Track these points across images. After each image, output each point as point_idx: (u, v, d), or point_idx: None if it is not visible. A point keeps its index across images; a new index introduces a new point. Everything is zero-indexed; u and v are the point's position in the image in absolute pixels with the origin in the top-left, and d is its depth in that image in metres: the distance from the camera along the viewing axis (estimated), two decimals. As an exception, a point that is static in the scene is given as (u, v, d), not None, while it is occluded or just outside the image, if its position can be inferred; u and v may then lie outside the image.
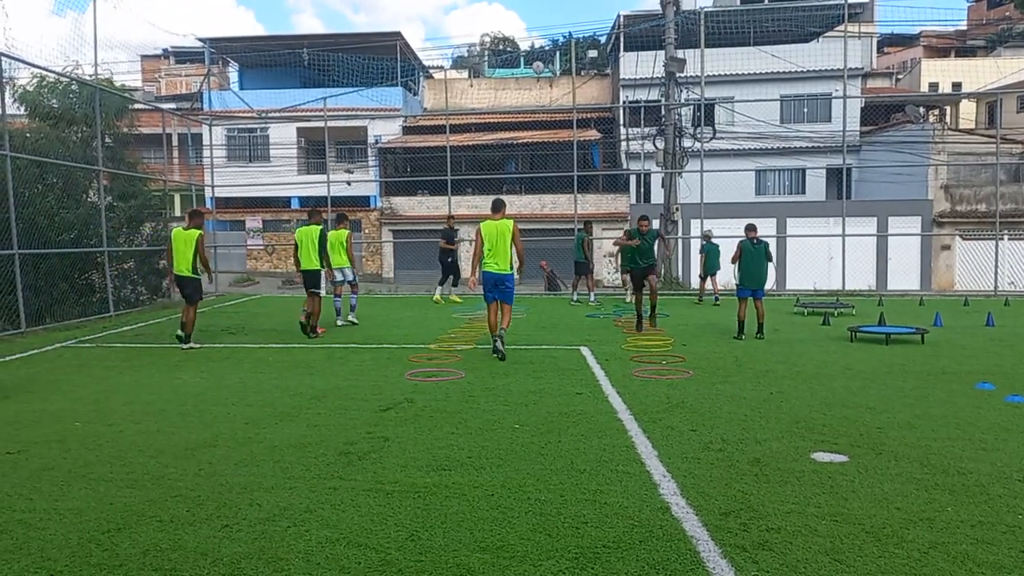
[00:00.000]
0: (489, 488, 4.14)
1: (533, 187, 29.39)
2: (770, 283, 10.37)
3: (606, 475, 4.34)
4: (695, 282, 17.85)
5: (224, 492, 4.12)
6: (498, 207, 8.75)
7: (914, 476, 4.29)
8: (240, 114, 29.90)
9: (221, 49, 33.72)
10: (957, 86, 36.85)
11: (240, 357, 8.81)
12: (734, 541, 3.42)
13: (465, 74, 41.84)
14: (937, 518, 3.67)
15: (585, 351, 8.90)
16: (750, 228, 10.17)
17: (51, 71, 13.87)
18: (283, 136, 31.71)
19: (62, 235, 12.64)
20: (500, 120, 31.05)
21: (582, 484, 4.19)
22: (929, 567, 3.16)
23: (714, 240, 15.32)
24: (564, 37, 45.26)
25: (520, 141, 29.75)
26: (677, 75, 19.01)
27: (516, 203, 27.23)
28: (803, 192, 29.17)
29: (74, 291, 13.28)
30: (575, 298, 15.25)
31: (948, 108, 34.51)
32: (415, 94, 34.58)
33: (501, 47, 55.50)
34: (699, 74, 19.01)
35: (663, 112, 19.52)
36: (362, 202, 30.11)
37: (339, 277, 11.54)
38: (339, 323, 11.57)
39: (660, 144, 19.23)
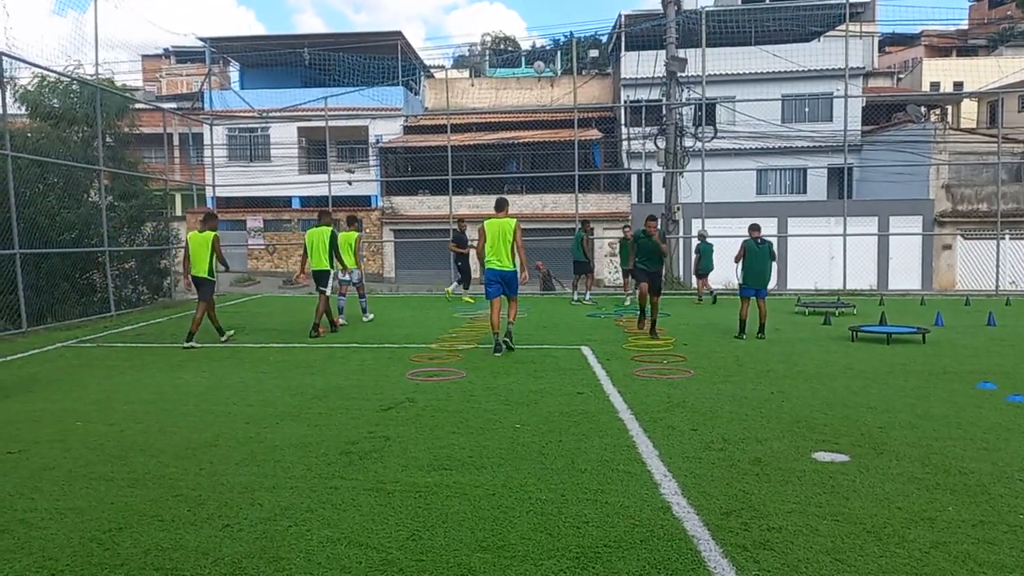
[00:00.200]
0: (490, 488, 4.14)
1: (534, 187, 29.39)
2: (772, 283, 10.37)
3: (607, 475, 4.34)
4: (695, 282, 17.85)
5: (225, 492, 4.12)
6: (501, 206, 8.97)
7: (915, 476, 4.28)
8: (241, 114, 29.92)
9: (222, 49, 33.73)
10: (958, 85, 36.83)
11: (241, 357, 8.82)
12: (735, 541, 3.42)
13: (466, 74, 41.83)
14: (938, 518, 3.66)
15: (586, 350, 8.90)
16: (754, 228, 10.17)
17: (52, 71, 13.88)
18: (284, 136, 31.71)
19: (63, 235, 12.64)
20: (501, 120, 31.04)
21: (583, 484, 4.19)
22: (930, 567, 3.15)
23: (709, 240, 15.34)
24: (565, 37, 45.26)
25: (521, 141, 29.74)
26: (678, 74, 19.00)
27: (517, 203, 27.23)
28: (804, 192, 29.15)
29: (75, 291, 13.29)
30: (575, 298, 15.25)
31: (949, 107, 34.49)
32: (416, 94, 34.59)
33: (502, 47, 55.50)
34: (700, 73, 19.02)
35: (664, 111, 19.51)
36: (363, 202, 30.12)
37: (346, 277, 11.67)
38: (342, 321, 11.61)
39: (661, 144, 19.22)
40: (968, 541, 3.40)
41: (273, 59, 31.53)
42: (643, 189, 29.17)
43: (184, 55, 43.92)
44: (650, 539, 3.44)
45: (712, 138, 20.47)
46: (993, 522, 3.61)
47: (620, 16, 29.85)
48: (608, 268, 26.69)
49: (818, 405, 6.04)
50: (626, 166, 29.31)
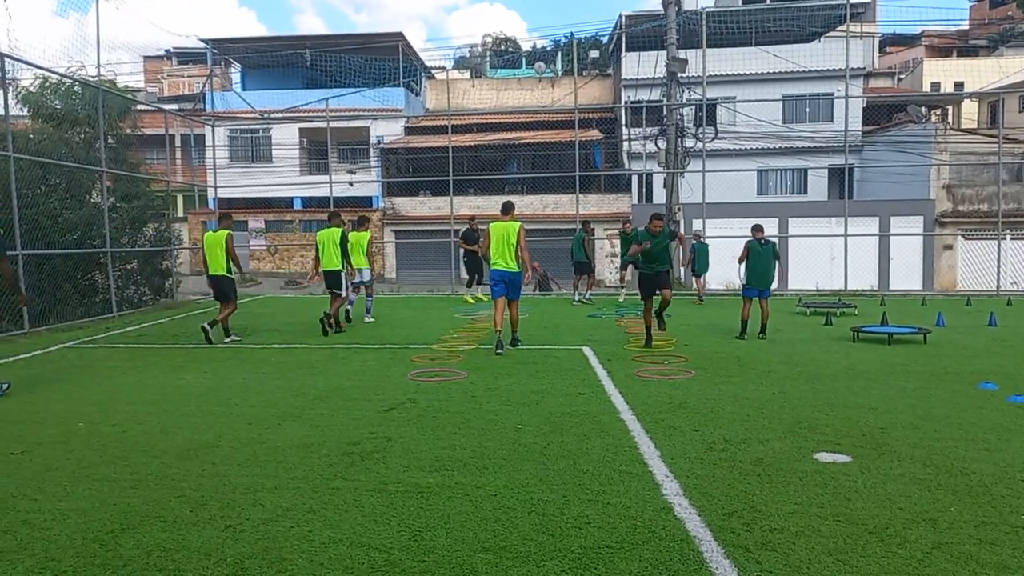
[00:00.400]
0: (492, 488, 4.14)
1: (535, 187, 29.41)
2: (774, 283, 10.36)
3: (609, 475, 4.34)
4: (694, 282, 17.85)
5: (227, 492, 4.13)
6: (507, 209, 9.24)
7: (917, 476, 4.28)
8: (242, 115, 29.96)
9: (223, 50, 33.77)
10: (959, 86, 36.82)
11: (243, 357, 8.83)
12: (737, 541, 3.42)
13: (467, 74, 41.84)
14: (940, 518, 3.67)
15: (587, 351, 8.90)
16: (757, 228, 10.19)
17: (54, 72, 13.90)
18: (285, 137, 31.75)
19: (65, 236, 12.66)
20: (502, 120, 31.06)
21: (585, 484, 4.19)
22: (932, 567, 3.16)
23: (704, 240, 15.34)
24: (566, 37, 45.32)
25: (522, 141, 29.76)
26: (679, 75, 19.00)
27: (518, 203, 26.86)
28: (805, 192, 29.15)
29: (77, 292, 13.31)
30: (576, 298, 15.26)
31: (950, 108, 34.47)
32: (417, 94, 34.61)
33: (503, 47, 55.52)
34: (701, 74, 19.01)
35: (665, 112, 19.51)
36: (364, 203, 30.15)
37: (358, 278, 11.81)
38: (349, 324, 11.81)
39: (662, 144, 19.22)
40: (970, 542, 3.40)
41: (274, 60, 31.58)
42: (644, 190, 29.18)
43: (186, 56, 43.96)
44: (652, 540, 3.44)
45: (713, 138, 20.48)
46: (995, 523, 3.61)
47: (621, 17, 29.87)
48: (609, 268, 26.68)
49: (819, 406, 6.04)
50: (627, 167, 29.31)
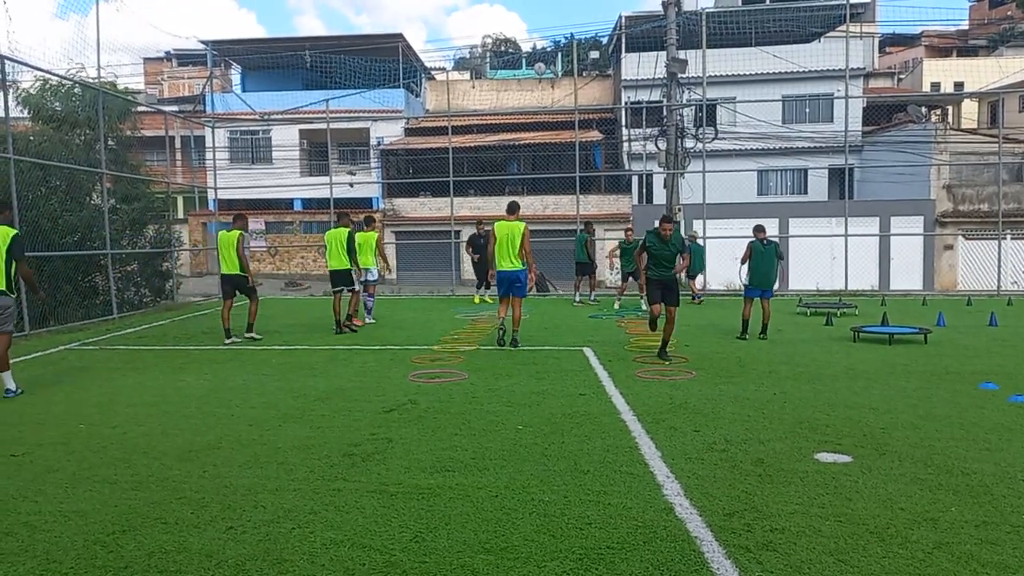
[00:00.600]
0: (493, 489, 4.14)
1: (535, 188, 29.42)
2: (776, 284, 10.38)
3: (610, 476, 4.34)
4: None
5: (228, 494, 4.13)
6: (512, 209, 9.46)
7: (918, 476, 4.28)
8: (242, 116, 29.99)
9: (223, 51, 33.79)
10: (959, 86, 36.82)
11: (243, 359, 8.83)
12: (738, 542, 3.42)
13: (467, 75, 41.86)
14: (941, 518, 3.67)
15: (588, 352, 8.90)
16: (759, 229, 10.21)
17: (54, 74, 13.91)
18: (285, 138, 31.76)
19: (65, 238, 12.66)
20: (502, 121, 31.07)
21: (586, 485, 4.19)
22: (933, 567, 3.16)
23: (699, 240, 15.35)
24: (566, 38, 45.33)
25: (522, 142, 29.76)
26: (679, 76, 18.99)
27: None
28: (805, 192, 29.15)
29: (77, 294, 13.31)
30: (578, 299, 15.27)
31: (950, 108, 34.47)
32: (417, 96, 34.63)
33: (503, 48, 55.53)
34: (701, 75, 19.01)
35: (665, 113, 19.50)
36: (364, 204, 30.17)
37: (364, 277, 12.00)
38: (369, 320, 12.13)
39: (662, 145, 19.21)
40: (971, 542, 3.40)
41: (274, 62, 31.60)
42: (644, 190, 29.19)
43: (186, 58, 43.98)
44: (653, 540, 3.44)
45: (713, 139, 20.47)
46: (996, 523, 3.61)
47: (620, 17, 29.88)
48: (610, 270, 26.69)
49: (820, 406, 6.04)
50: (627, 167, 29.31)
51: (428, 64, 37.35)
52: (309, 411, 6.08)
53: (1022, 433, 5.18)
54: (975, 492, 4.02)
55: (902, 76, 41.67)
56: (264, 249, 31.32)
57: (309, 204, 31.55)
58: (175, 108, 31.30)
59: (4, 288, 6.69)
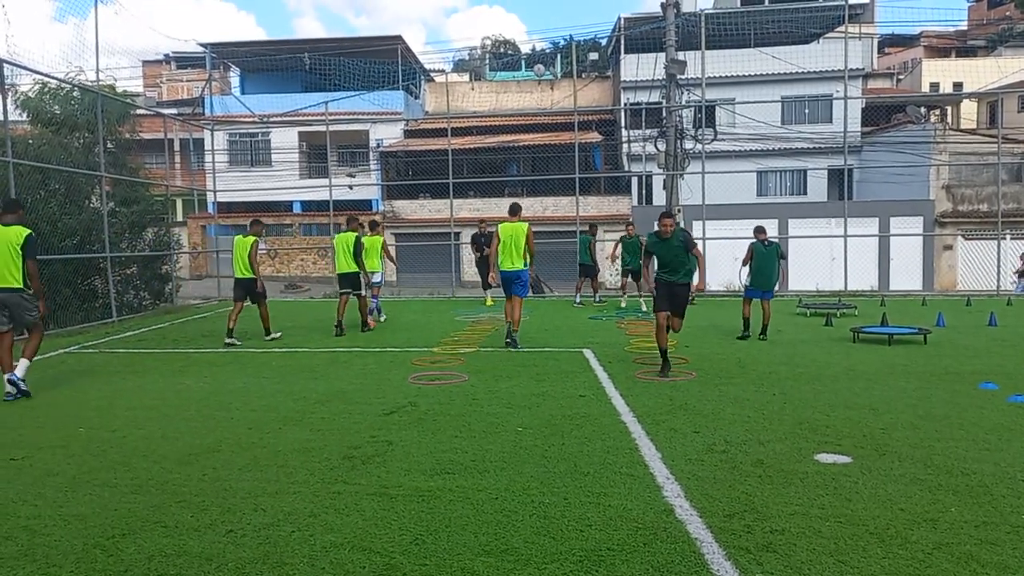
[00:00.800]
0: (493, 491, 4.14)
1: (535, 190, 29.43)
2: (777, 285, 10.39)
3: (610, 477, 4.34)
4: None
5: (228, 497, 4.12)
6: (515, 211, 9.68)
7: (918, 477, 4.28)
8: (242, 119, 29.99)
9: (222, 54, 33.81)
10: (958, 86, 36.83)
11: (243, 362, 8.83)
12: (738, 543, 3.42)
13: (466, 77, 41.89)
14: (941, 519, 3.67)
15: (588, 353, 8.90)
16: (760, 230, 10.25)
17: (53, 77, 13.91)
18: (285, 140, 31.78)
19: (64, 241, 12.67)
20: (501, 123, 31.09)
21: (586, 487, 4.19)
22: (933, 568, 3.16)
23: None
24: (565, 40, 45.31)
25: (522, 144, 29.78)
26: (678, 77, 19.01)
27: (518, 206, 27.20)
28: (805, 193, 29.18)
29: (77, 297, 13.31)
30: (578, 300, 15.29)
31: (949, 108, 34.50)
32: (416, 97, 34.65)
33: (502, 50, 55.56)
34: (700, 76, 19.02)
35: (664, 114, 19.51)
36: (364, 206, 30.16)
37: (372, 280, 12.27)
38: (382, 319, 12.48)
39: (661, 146, 19.23)
40: (971, 542, 3.40)
41: (274, 64, 31.61)
42: (644, 191, 29.21)
43: (185, 60, 44.00)
44: (653, 542, 3.44)
45: (712, 140, 20.49)
46: (996, 523, 3.61)
47: (620, 19, 29.94)
48: (609, 270, 26.69)
49: (820, 407, 6.04)
50: (626, 168, 29.34)
51: (427, 66, 37.38)
52: (309, 414, 6.08)
53: (1022, 433, 5.18)
54: (975, 492, 4.02)
55: (901, 77, 41.69)
56: (264, 252, 31.30)
57: (308, 206, 31.56)
58: (174, 111, 31.32)
59: (21, 285, 6.86)
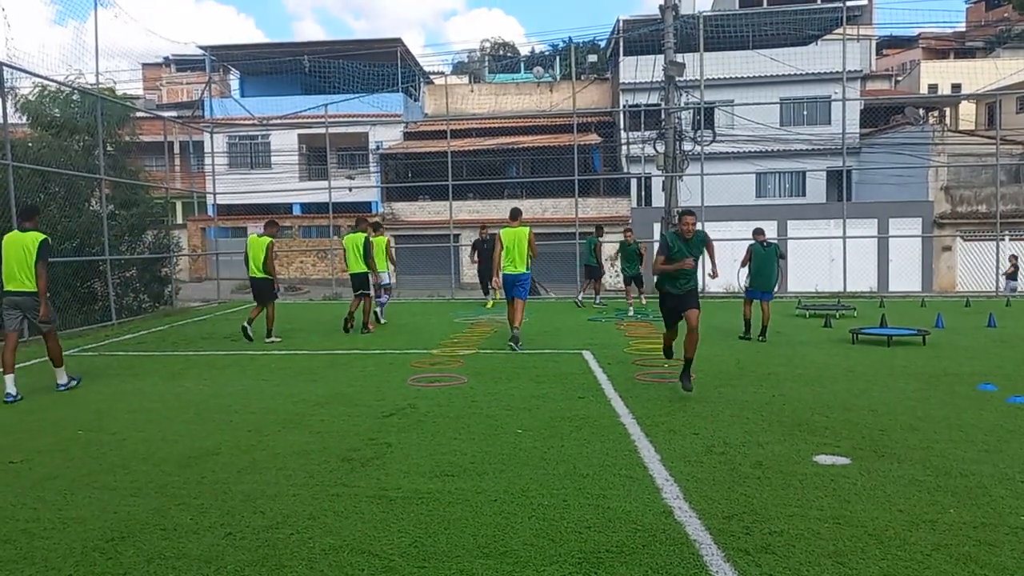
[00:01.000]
0: (492, 494, 4.14)
1: (534, 191, 29.44)
2: (776, 286, 10.42)
3: (609, 479, 4.34)
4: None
5: (227, 500, 4.13)
6: (515, 216, 9.90)
7: (916, 478, 4.29)
8: (241, 121, 29.99)
9: (222, 57, 33.82)
10: (956, 87, 36.87)
11: (243, 364, 8.83)
12: (737, 545, 3.42)
13: (466, 79, 41.92)
14: (940, 520, 3.67)
15: (587, 355, 8.91)
16: (758, 232, 10.30)
17: (53, 80, 13.91)
18: (284, 143, 31.78)
19: (64, 244, 12.66)
20: (501, 125, 31.11)
21: (585, 489, 4.19)
22: (932, 569, 3.16)
23: None
24: (564, 42, 45.37)
25: (521, 146, 29.80)
26: (676, 79, 19.04)
27: (517, 208, 27.21)
28: (803, 194, 29.19)
29: (76, 300, 13.31)
30: (579, 299, 15.36)
31: (947, 109, 34.52)
32: (416, 100, 34.66)
33: (501, 52, 55.60)
34: (698, 78, 19.05)
35: (663, 116, 19.53)
36: (363, 208, 30.17)
37: (384, 281, 12.49)
38: (383, 321, 12.57)
39: (660, 148, 19.25)
40: (969, 543, 3.40)
41: (273, 67, 31.63)
42: (643, 193, 29.21)
43: (184, 63, 44.05)
44: (652, 544, 3.44)
45: (711, 142, 20.51)
46: (994, 524, 3.61)
47: (618, 21, 29.97)
48: (610, 272, 26.70)
49: (819, 408, 6.04)
50: (625, 170, 29.35)
51: (427, 68, 37.40)
52: (308, 416, 6.08)
53: (1020, 434, 5.18)
54: (973, 494, 4.02)
55: (899, 78, 41.72)
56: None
57: (308, 209, 31.56)
58: (174, 113, 31.31)
59: (36, 289, 7.09)
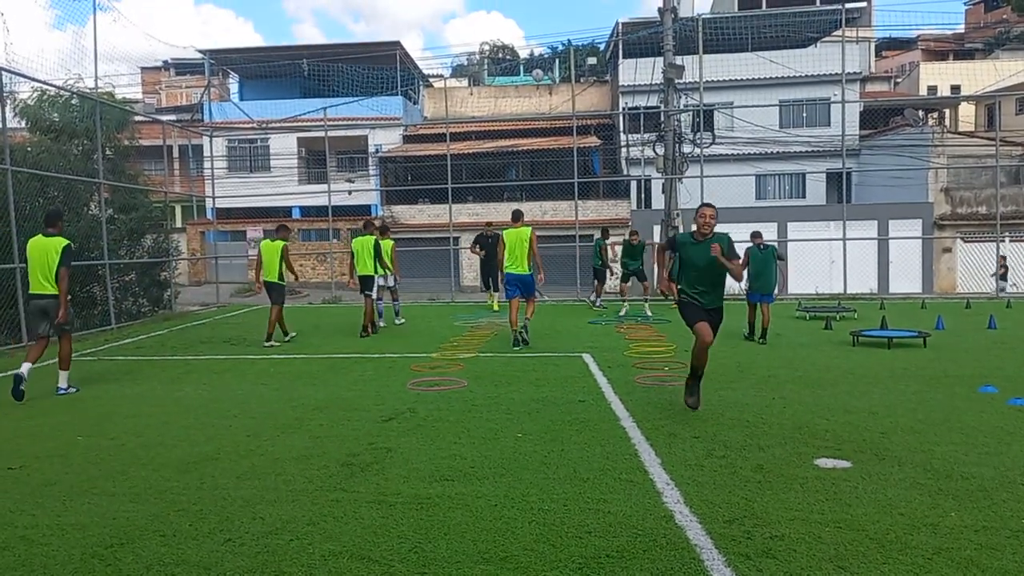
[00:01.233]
0: (492, 498, 4.13)
1: (534, 194, 29.45)
2: (776, 288, 10.43)
3: (609, 484, 4.33)
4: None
5: (226, 505, 4.11)
6: (517, 217, 10.12)
7: (918, 481, 4.27)
8: (240, 125, 30.00)
9: (221, 60, 33.85)
10: (956, 89, 36.89)
11: (242, 369, 8.81)
12: (738, 549, 3.41)
13: (465, 82, 41.98)
14: (941, 523, 3.66)
15: (587, 358, 8.90)
16: (755, 235, 10.35)
17: (52, 85, 13.92)
18: (284, 146, 31.79)
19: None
20: (500, 128, 31.13)
21: (585, 493, 4.18)
22: (934, 573, 3.15)
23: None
24: (563, 45, 45.44)
25: (520, 148, 29.81)
26: (676, 81, 19.04)
27: (517, 210, 27.21)
28: (803, 196, 29.19)
29: (75, 304, 13.25)
30: (598, 302, 15.44)
31: (947, 111, 34.56)
32: (415, 103, 34.68)
33: (500, 55, 55.65)
34: (698, 80, 19.05)
35: (662, 118, 19.53)
36: (363, 211, 30.16)
37: (390, 283, 12.74)
38: (381, 324, 12.52)
39: (660, 150, 19.25)
40: (971, 547, 3.39)
41: (272, 70, 31.64)
42: (642, 195, 29.22)
43: (183, 67, 44.09)
44: (653, 548, 3.43)
45: (710, 144, 20.50)
46: (996, 527, 3.60)
47: (618, 24, 29.98)
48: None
49: (820, 411, 6.03)
50: (625, 173, 29.36)
51: (426, 71, 37.43)
52: (308, 421, 6.06)
53: (1021, 436, 5.17)
54: (975, 497, 4.01)
55: (899, 80, 41.75)
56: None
57: (308, 212, 31.56)
58: (173, 117, 31.33)
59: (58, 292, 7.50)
